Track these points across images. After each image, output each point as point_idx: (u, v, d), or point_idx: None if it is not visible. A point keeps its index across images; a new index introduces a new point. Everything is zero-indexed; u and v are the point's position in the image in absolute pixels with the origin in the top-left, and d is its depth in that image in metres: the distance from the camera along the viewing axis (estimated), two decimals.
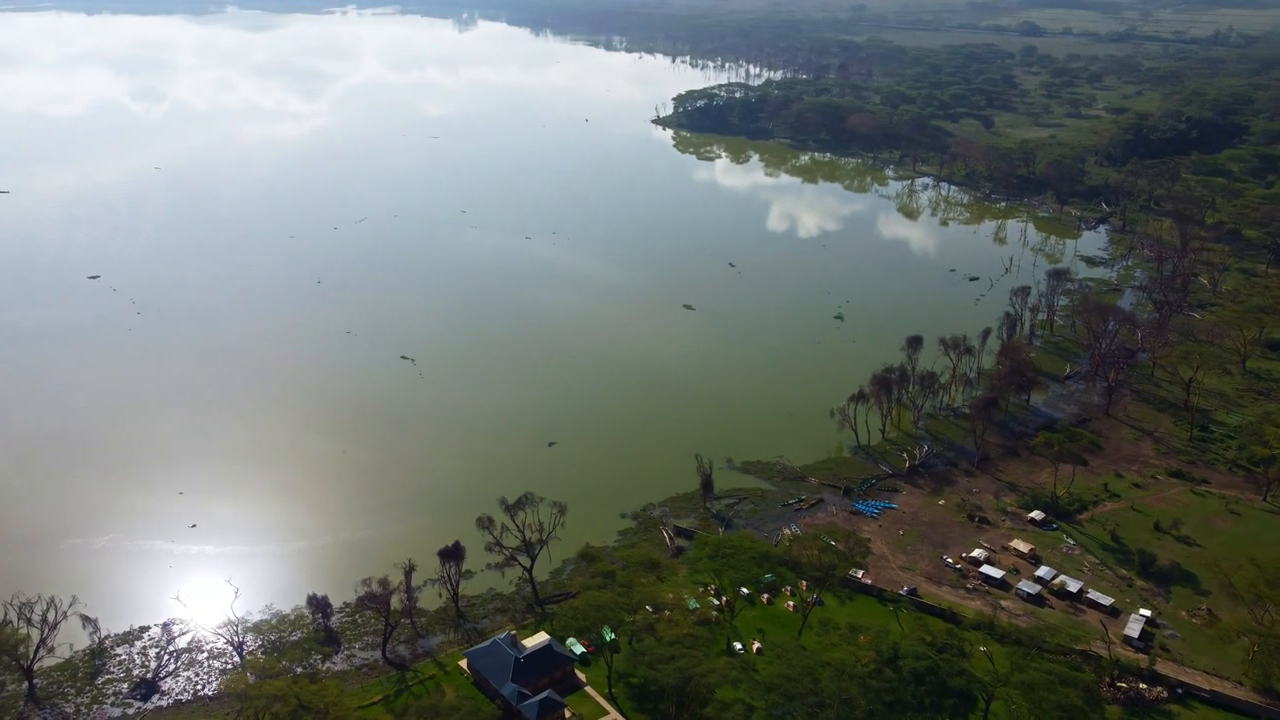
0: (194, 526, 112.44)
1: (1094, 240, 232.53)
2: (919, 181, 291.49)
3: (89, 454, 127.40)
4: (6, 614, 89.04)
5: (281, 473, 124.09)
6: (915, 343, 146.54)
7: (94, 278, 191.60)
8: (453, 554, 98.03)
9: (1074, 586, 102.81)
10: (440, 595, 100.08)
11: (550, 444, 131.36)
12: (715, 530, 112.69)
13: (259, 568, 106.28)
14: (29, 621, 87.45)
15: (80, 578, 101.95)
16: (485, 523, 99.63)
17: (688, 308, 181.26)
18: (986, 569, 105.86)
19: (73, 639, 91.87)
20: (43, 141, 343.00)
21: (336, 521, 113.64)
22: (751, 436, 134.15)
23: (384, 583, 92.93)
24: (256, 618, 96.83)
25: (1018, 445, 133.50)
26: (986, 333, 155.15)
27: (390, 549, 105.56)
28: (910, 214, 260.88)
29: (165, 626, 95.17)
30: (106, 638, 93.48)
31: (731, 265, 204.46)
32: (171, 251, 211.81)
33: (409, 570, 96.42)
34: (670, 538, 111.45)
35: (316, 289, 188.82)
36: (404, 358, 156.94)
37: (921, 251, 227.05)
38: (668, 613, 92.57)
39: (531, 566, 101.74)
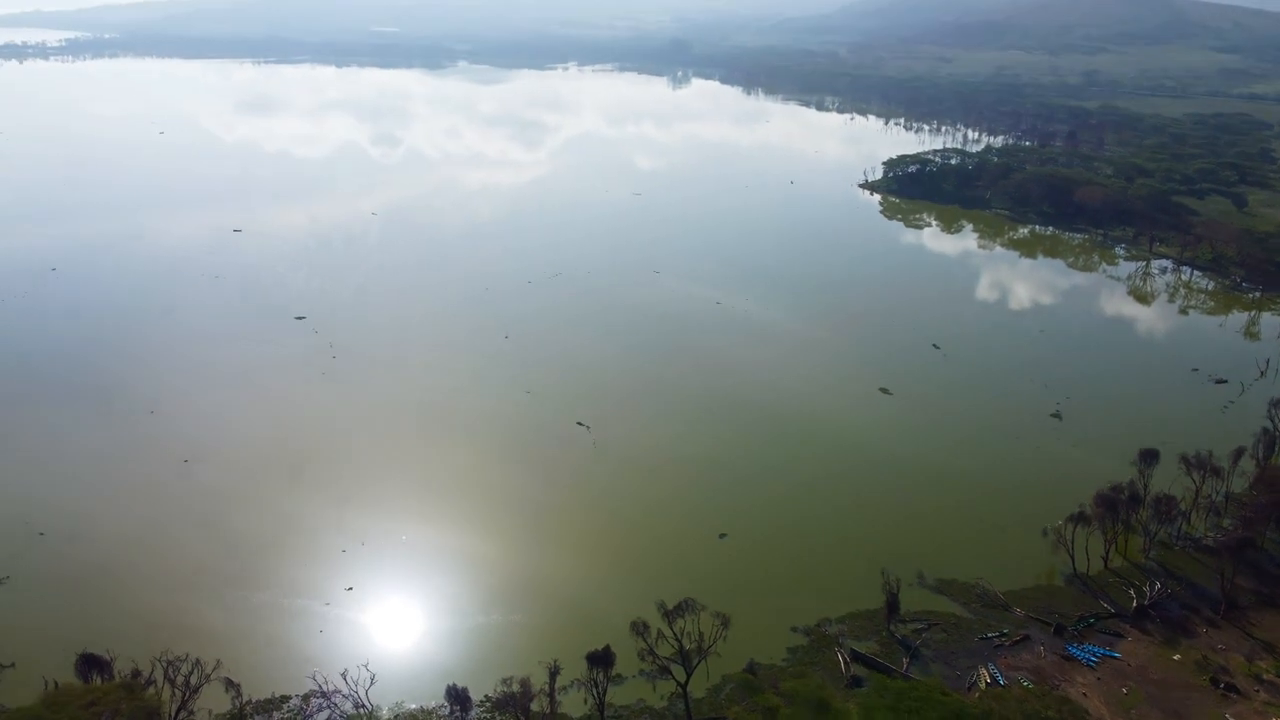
0: (350, 589, 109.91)
1: None
2: (1155, 264, 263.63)
3: (267, 499, 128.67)
4: (153, 671, 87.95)
5: (440, 542, 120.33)
6: (1149, 456, 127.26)
7: (300, 318, 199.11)
8: (602, 660, 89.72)
9: None
10: (585, 702, 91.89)
11: (721, 536, 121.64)
12: (900, 658, 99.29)
13: (405, 643, 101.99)
14: (172, 683, 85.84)
15: (233, 632, 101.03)
16: (640, 628, 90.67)
17: (884, 391, 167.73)
18: None
19: (213, 702, 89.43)
20: (284, 182, 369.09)
21: (488, 602, 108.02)
22: (947, 549, 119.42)
23: (525, 684, 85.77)
24: (388, 713, 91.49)
25: (1277, 593, 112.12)
26: (1239, 452, 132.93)
27: (538, 640, 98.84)
28: (1143, 299, 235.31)
29: (305, 699, 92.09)
30: (247, 704, 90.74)
31: (936, 347, 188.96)
32: (374, 296, 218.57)
33: (554, 672, 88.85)
34: (846, 663, 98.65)
35: (503, 344, 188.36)
36: (579, 424, 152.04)
37: (1156, 344, 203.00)
38: None
39: (686, 682, 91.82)
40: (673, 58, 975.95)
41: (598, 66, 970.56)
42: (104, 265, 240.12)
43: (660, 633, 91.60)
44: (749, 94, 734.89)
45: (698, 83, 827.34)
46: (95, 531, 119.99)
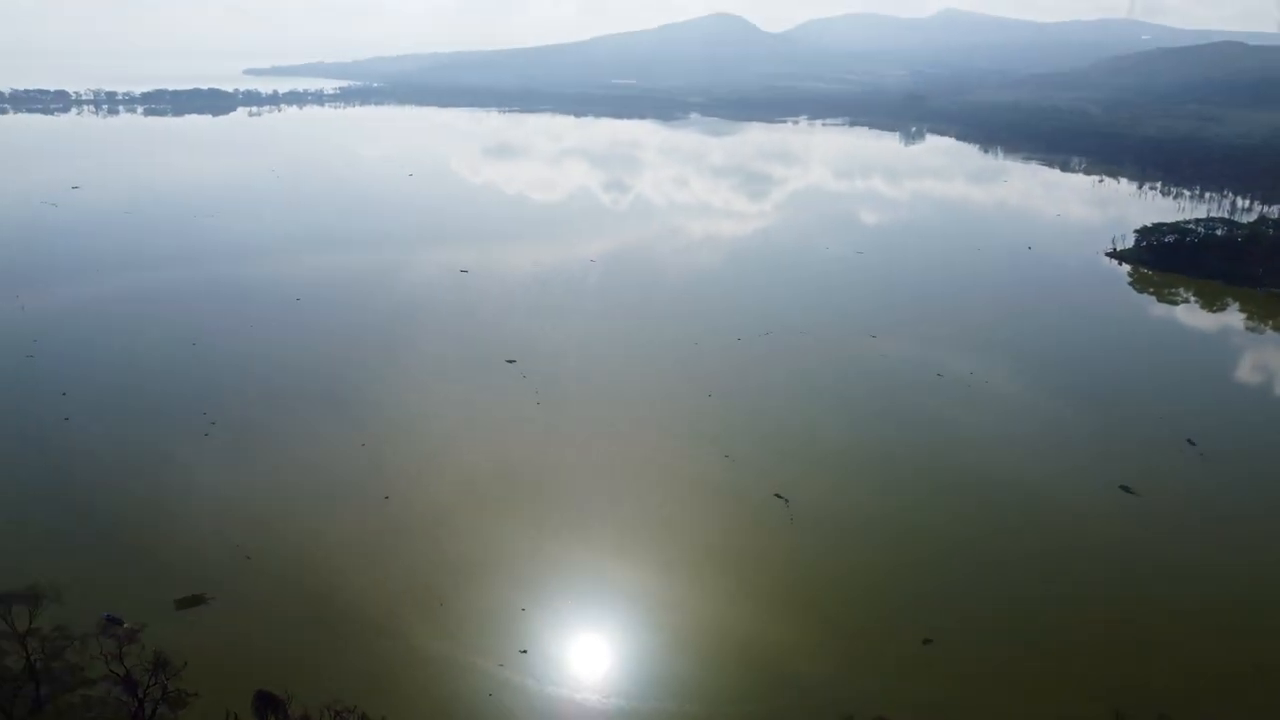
0: (524, 652, 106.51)
1: None
2: None
3: (457, 546, 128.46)
4: (321, 718, 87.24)
5: (617, 612, 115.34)
6: None
7: (511, 362, 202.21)
8: None
9: None
10: None
11: (926, 641, 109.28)
12: None
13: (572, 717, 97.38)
14: None
15: (406, 682, 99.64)
16: None
17: (1126, 490, 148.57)
18: None
19: None
20: (514, 225, 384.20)
21: (660, 685, 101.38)
22: (1198, 688, 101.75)
23: None
24: None
25: None
26: None
27: None
28: None
29: None
30: None
31: (1191, 443, 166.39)
32: (584, 343, 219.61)
33: None
34: None
35: (706, 402, 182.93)
36: (778, 495, 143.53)
37: None
38: None
39: None
40: (906, 113, 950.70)
41: (828, 121, 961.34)
42: (342, 298, 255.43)
43: None
44: (986, 152, 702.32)
45: (932, 139, 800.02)
46: (296, 561, 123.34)
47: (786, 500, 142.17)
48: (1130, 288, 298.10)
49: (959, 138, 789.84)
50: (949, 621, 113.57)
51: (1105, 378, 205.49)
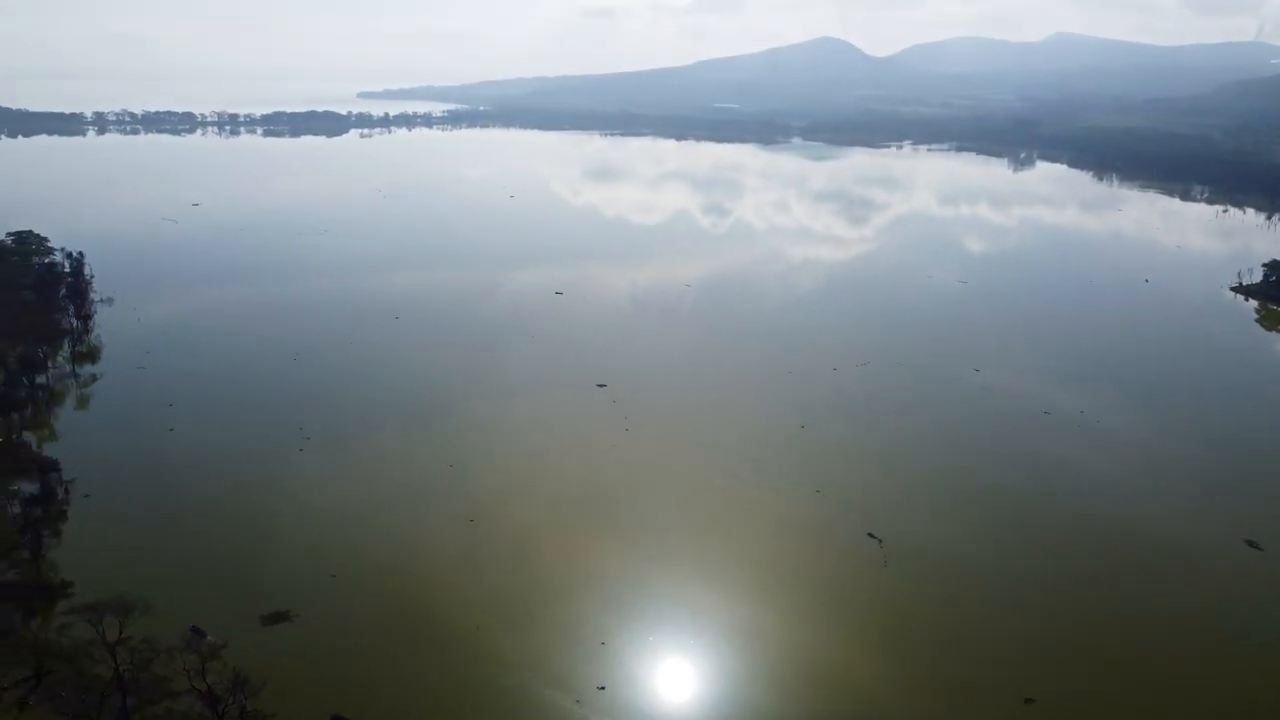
0: (602, 688, 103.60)
1: None
2: None
3: (538, 573, 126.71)
4: None
5: (699, 653, 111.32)
6: None
7: (601, 386, 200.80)
8: None
9: None
10: None
11: (1028, 700, 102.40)
12: None
13: None
14: None
15: (477, 714, 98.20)
16: None
17: (1252, 545, 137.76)
18: None
19: None
20: (612, 247, 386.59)
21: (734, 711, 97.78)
22: None
23: None
24: None
25: None
26: None
27: None
28: None
29: None
30: None
31: None
32: (676, 369, 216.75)
33: None
34: None
35: (798, 434, 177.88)
36: (870, 535, 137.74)
37: None
38: None
39: None
40: (1015, 138, 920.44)
41: (933, 146, 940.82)
42: (438, 318, 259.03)
43: None
44: (1100, 179, 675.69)
45: (1042, 166, 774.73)
46: (378, 582, 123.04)
47: (880, 540, 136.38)
48: (1258, 325, 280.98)
49: (1071, 164, 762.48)
50: (1051, 678, 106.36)
51: (1229, 422, 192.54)
